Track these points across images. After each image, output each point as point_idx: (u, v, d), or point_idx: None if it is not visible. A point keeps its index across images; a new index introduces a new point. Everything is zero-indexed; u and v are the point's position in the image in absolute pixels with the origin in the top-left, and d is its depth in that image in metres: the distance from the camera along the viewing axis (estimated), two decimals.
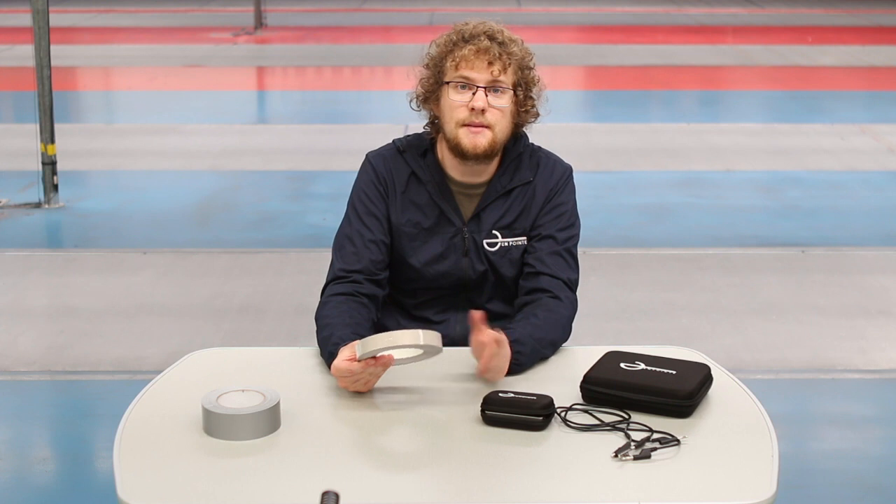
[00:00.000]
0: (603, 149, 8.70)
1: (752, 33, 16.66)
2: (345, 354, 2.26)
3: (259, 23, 16.73)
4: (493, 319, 2.65)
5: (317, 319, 2.54)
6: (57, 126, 7.05)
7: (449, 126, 2.58)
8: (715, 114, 11.00)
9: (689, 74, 12.86)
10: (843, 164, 8.21)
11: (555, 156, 2.74)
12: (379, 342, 2.19)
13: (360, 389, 2.28)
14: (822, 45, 15.24)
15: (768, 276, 5.71)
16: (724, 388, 2.30)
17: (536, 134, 2.75)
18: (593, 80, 13.15)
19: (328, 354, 2.38)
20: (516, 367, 2.38)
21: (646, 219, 6.76)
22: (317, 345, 2.48)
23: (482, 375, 2.31)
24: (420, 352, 2.29)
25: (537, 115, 2.66)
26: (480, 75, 2.54)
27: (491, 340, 2.27)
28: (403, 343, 2.21)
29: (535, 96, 2.63)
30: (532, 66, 2.62)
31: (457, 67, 2.55)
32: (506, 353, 2.33)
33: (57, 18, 9.87)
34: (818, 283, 5.62)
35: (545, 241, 2.64)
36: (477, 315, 2.30)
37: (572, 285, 2.64)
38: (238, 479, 1.95)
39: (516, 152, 2.67)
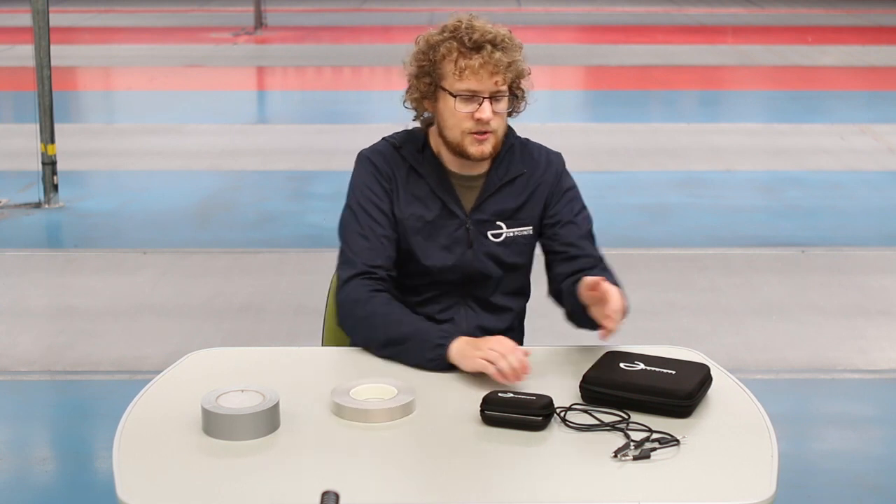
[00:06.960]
0: (603, 149, 8.70)
1: (752, 33, 16.67)
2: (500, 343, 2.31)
3: (259, 23, 16.74)
4: (498, 313, 2.66)
5: (369, 317, 2.47)
6: (57, 126, 7.05)
7: (453, 132, 2.55)
8: (715, 114, 11.01)
9: (689, 74, 12.86)
10: (843, 164, 8.21)
11: (544, 146, 2.75)
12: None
13: (515, 372, 2.28)
14: (822, 45, 15.24)
15: (768, 276, 5.71)
16: (724, 388, 2.30)
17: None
18: (593, 80, 13.16)
19: (435, 346, 2.38)
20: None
21: (646, 219, 6.76)
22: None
23: (608, 325, 2.34)
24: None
25: (526, 102, 2.65)
26: (485, 86, 2.51)
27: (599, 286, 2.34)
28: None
29: (524, 87, 2.62)
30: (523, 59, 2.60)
31: (461, 77, 2.50)
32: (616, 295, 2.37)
33: (57, 18, 9.87)
34: (818, 283, 5.62)
35: (567, 227, 2.68)
36: (589, 281, 2.37)
37: (606, 265, 2.69)
38: (238, 479, 1.95)
39: (508, 143, 2.67)
